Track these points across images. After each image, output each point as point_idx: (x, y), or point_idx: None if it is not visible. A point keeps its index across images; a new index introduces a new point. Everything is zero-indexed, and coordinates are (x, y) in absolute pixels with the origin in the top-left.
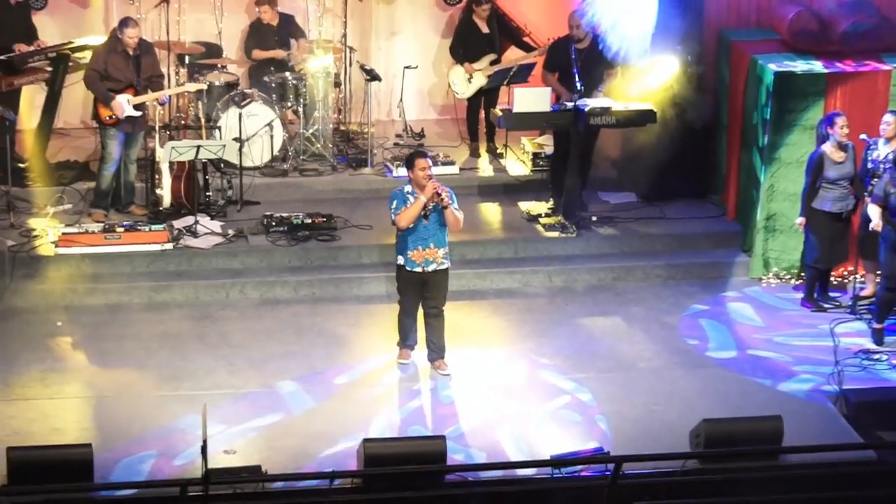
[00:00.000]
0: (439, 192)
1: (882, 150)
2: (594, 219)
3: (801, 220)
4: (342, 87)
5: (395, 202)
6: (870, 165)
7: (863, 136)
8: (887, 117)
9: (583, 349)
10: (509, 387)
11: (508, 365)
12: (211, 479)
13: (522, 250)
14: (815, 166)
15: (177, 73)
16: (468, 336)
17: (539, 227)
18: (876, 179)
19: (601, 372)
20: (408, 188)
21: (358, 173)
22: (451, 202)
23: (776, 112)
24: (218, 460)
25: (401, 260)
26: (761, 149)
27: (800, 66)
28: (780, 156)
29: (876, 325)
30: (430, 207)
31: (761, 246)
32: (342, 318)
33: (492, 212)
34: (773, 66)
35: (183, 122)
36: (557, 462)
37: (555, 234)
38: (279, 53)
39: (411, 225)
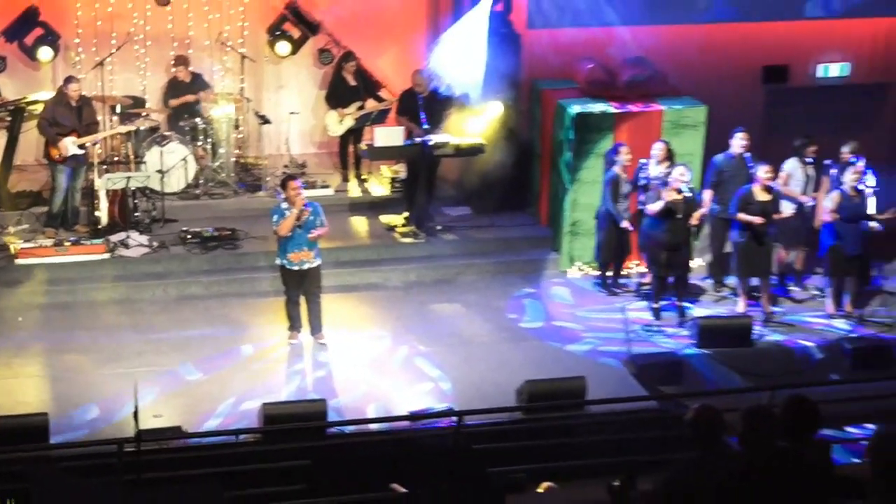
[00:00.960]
0: (305, 205)
1: (653, 170)
2: (439, 228)
3: (626, 223)
4: (241, 129)
5: (275, 216)
6: (642, 182)
7: (641, 161)
8: (658, 144)
9: (432, 329)
10: (376, 359)
11: (375, 342)
12: (142, 437)
13: (384, 253)
14: (613, 185)
15: (110, 120)
16: (343, 321)
17: (396, 235)
18: (648, 191)
19: (447, 346)
20: (284, 204)
21: (254, 196)
22: (318, 215)
23: (577, 143)
24: (148, 423)
25: (282, 262)
26: (565, 171)
27: (594, 107)
28: (581, 176)
29: (654, 305)
30: (303, 219)
31: (567, 246)
32: (244, 309)
33: (360, 224)
34: (573, 108)
35: (116, 158)
36: (415, 416)
37: (409, 240)
38: (189, 98)
39: (289, 233)
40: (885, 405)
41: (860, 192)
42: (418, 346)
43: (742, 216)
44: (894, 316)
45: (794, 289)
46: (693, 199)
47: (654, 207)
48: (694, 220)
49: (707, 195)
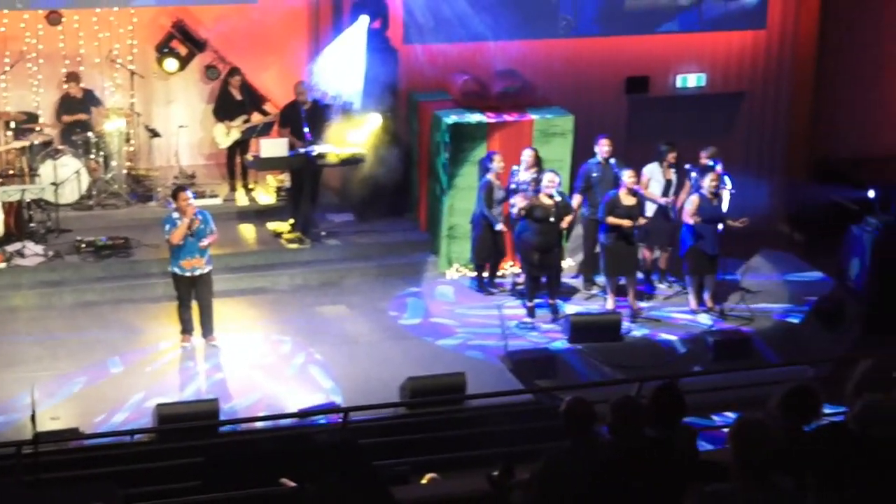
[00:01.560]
0: (195, 214)
1: (522, 175)
2: (323, 233)
3: (501, 226)
4: (132, 142)
5: (167, 225)
6: (513, 186)
7: (513, 168)
8: (526, 152)
9: (319, 329)
10: (266, 359)
11: (264, 343)
12: (39, 440)
13: (271, 258)
14: (487, 191)
15: (5, 135)
16: (234, 323)
17: (283, 241)
18: (517, 195)
19: (333, 346)
20: (175, 214)
21: (146, 206)
22: (207, 223)
23: (452, 151)
24: (46, 425)
25: (174, 269)
26: (442, 178)
27: (468, 118)
28: (457, 183)
29: (528, 303)
30: (193, 227)
31: (445, 249)
32: (138, 314)
33: (248, 231)
34: (449, 119)
35: (11, 171)
36: (303, 413)
37: (295, 245)
38: (82, 116)
39: (181, 242)
40: (745, 394)
41: (718, 194)
42: (306, 346)
43: (610, 219)
44: (752, 310)
45: (659, 286)
46: (564, 203)
47: (518, 204)
48: (564, 224)
49: (576, 199)
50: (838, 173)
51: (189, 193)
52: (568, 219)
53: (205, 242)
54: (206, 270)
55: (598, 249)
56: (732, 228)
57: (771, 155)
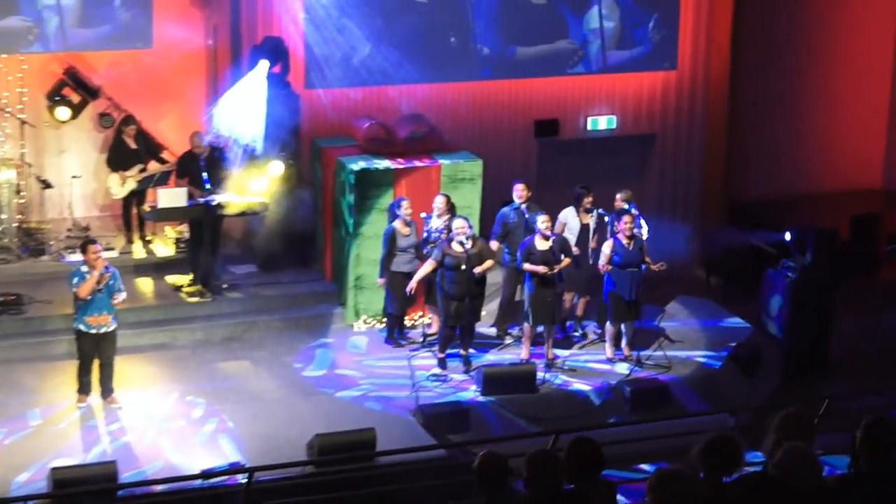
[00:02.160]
0: (105, 268)
1: (434, 223)
2: (225, 286)
3: (381, 280)
4: (23, 193)
5: (75, 279)
6: (425, 234)
7: (422, 214)
8: (438, 199)
9: (221, 386)
10: (167, 419)
11: (166, 402)
12: None
13: (171, 313)
14: (390, 239)
15: None
16: (133, 382)
17: (183, 295)
18: (432, 244)
19: (237, 403)
20: (84, 268)
21: (38, 260)
22: (116, 279)
23: (358, 199)
24: None
25: (80, 325)
26: (348, 227)
27: (373, 164)
28: (363, 232)
29: (440, 355)
30: (102, 282)
31: (352, 300)
32: (32, 374)
33: (146, 285)
34: (353, 165)
35: None
36: (206, 475)
37: (195, 299)
38: None
39: (90, 296)
40: (665, 445)
41: (634, 238)
42: (209, 405)
43: (527, 266)
44: (670, 358)
45: (575, 334)
46: (481, 248)
47: (423, 270)
48: (479, 270)
49: (494, 246)
50: (753, 216)
51: (98, 247)
52: (487, 264)
53: (118, 300)
54: (111, 328)
55: (519, 297)
56: (651, 273)
57: (685, 198)
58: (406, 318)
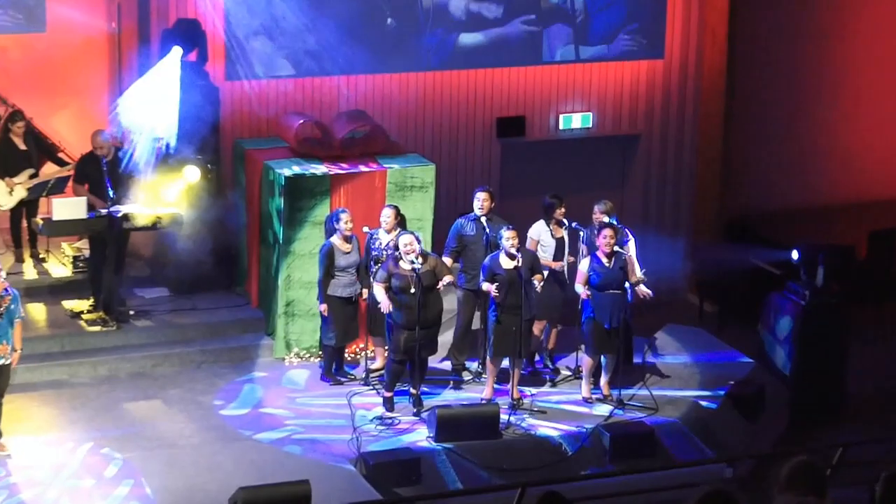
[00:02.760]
0: (5, 290)
1: (383, 239)
2: (132, 313)
3: (323, 306)
4: None
5: None
6: (374, 252)
7: (365, 229)
8: (386, 211)
9: (129, 431)
10: (64, 468)
11: (62, 449)
12: None
13: (68, 344)
14: (327, 257)
15: None
16: (25, 425)
17: (82, 323)
18: (379, 264)
19: (147, 451)
20: None
21: None
22: (17, 303)
23: (288, 210)
24: None
25: None
26: (277, 243)
27: (307, 169)
28: (294, 249)
29: (386, 394)
30: (2, 307)
31: (283, 329)
32: None
33: (38, 311)
34: (283, 170)
35: None
36: None
37: (97, 328)
38: None
39: None
40: (651, 500)
41: (615, 256)
42: (114, 452)
43: (485, 286)
44: (657, 397)
45: (546, 369)
46: (433, 265)
47: (377, 293)
48: (442, 285)
49: (448, 262)
50: (754, 231)
51: None
52: (447, 279)
53: (16, 328)
54: (7, 361)
55: (477, 325)
56: (638, 298)
57: (675, 210)
58: (346, 350)
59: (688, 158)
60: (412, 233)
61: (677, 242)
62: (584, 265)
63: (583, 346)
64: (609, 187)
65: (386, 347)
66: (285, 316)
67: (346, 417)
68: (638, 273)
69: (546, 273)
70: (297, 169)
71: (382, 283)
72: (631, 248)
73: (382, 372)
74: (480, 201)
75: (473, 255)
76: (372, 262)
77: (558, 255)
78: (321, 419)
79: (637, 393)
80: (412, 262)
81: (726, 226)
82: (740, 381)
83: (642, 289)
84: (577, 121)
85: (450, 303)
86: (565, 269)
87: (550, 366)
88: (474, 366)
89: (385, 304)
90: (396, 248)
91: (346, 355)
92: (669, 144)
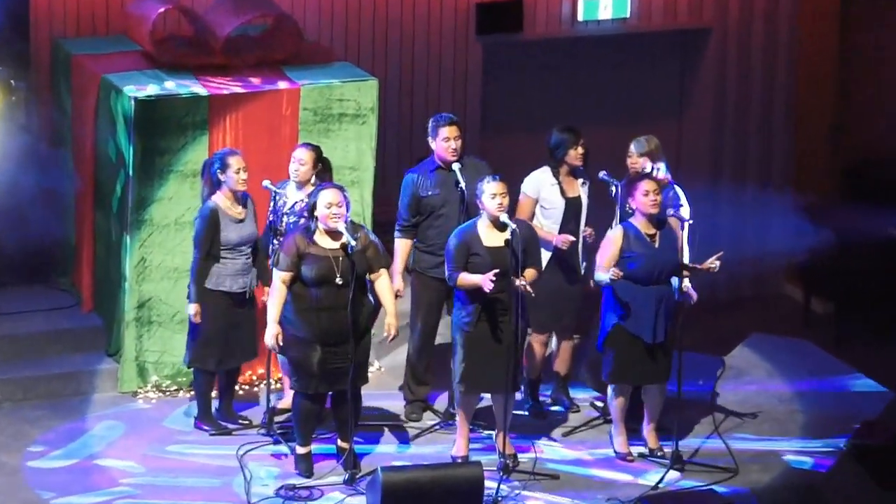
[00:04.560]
0: None
1: (292, 197)
2: None
3: (194, 307)
4: None
5: None
6: (272, 218)
7: (266, 183)
8: (300, 152)
9: None
10: None
11: None
12: None
13: None
14: (207, 228)
15: None
16: None
17: None
18: (279, 239)
19: None
20: None
21: None
22: None
23: (141, 154)
24: None
25: None
26: (123, 208)
27: (170, 87)
28: (152, 217)
29: (300, 449)
30: None
31: (134, 347)
32: None
33: None
34: (132, 90)
35: None
36: None
37: None
38: None
39: None
40: None
41: (662, 225)
42: None
43: (464, 278)
44: (735, 451)
45: (554, 407)
46: (366, 246)
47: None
48: (378, 279)
49: (401, 247)
50: (889, 186)
51: None
52: (378, 276)
53: None
54: None
55: (444, 340)
56: (687, 296)
57: (762, 154)
58: (237, 380)
59: (783, 70)
60: (338, 187)
61: (766, 203)
62: (611, 239)
63: (604, 369)
64: (654, 117)
65: None
66: (138, 324)
67: (231, 489)
68: (685, 257)
69: (549, 257)
70: (154, 87)
71: (284, 270)
72: (685, 215)
73: (291, 414)
74: (446, 138)
75: (442, 225)
76: (272, 234)
77: (569, 225)
78: (202, 490)
79: (704, 445)
80: (340, 234)
81: (844, 177)
82: (868, 425)
83: (685, 286)
84: (605, 7)
85: (400, 303)
86: (580, 246)
87: (566, 400)
88: (439, 403)
89: (272, 334)
90: (311, 211)
91: (236, 387)
92: (754, 48)
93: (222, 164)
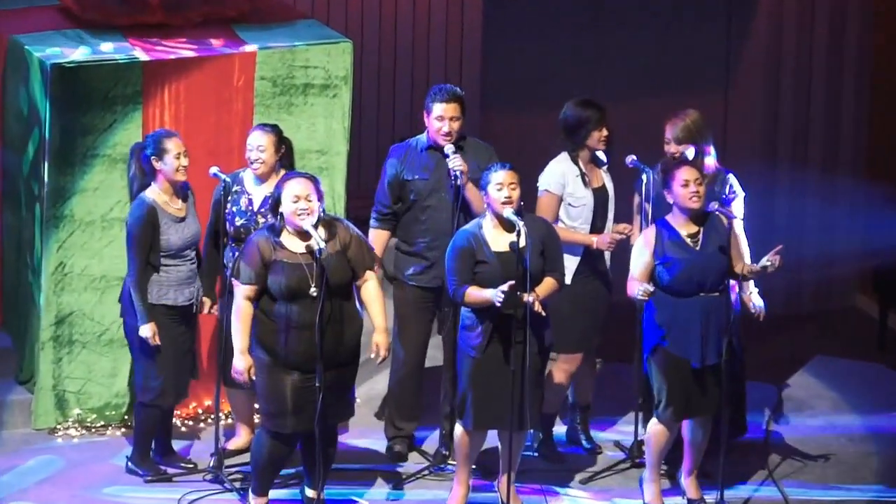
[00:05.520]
0: None
1: (253, 192)
2: None
3: (149, 328)
4: None
5: None
6: (239, 222)
7: (214, 170)
8: (260, 138)
9: None
10: None
11: None
12: None
13: None
14: (144, 226)
15: None
16: None
17: None
18: (239, 245)
19: None
20: None
21: None
22: None
23: (60, 135)
24: None
25: None
26: (37, 200)
27: (96, 50)
28: (73, 212)
29: (255, 500)
30: None
31: (51, 373)
32: None
33: None
34: (48, 54)
35: None
36: None
37: None
38: None
39: None
40: None
41: (709, 223)
42: None
43: (473, 295)
44: (793, 501)
45: (573, 449)
46: (352, 244)
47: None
48: (360, 283)
49: (376, 237)
50: None
51: None
52: (364, 281)
53: None
54: None
55: (437, 363)
56: (755, 308)
57: (829, 133)
58: (175, 415)
59: (855, 29)
60: (308, 176)
61: (833, 195)
62: (643, 243)
63: (643, 400)
64: (695, 88)
65: (257, 408)
66: (56, 345)
67: None
68: (747, 259)
69: (576, 262)
70: (78, 51)
71: (250, 285)
72: (738, 208)
73: (248, 457)
74: (441, 115)
75: (429, 220)
76: (230, 241)
77: (598, 222)
78: None
79: (756, 494)
80: (310, 236)
81: None
82: None
83: (753, 298)
84: None
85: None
86: (607, 251)
87: (586, 443)
88: (430, 443)
89: (243, 368)
90: (274, 207)
91: (175, 422)
92: (819, 8)
93: (157, 149)
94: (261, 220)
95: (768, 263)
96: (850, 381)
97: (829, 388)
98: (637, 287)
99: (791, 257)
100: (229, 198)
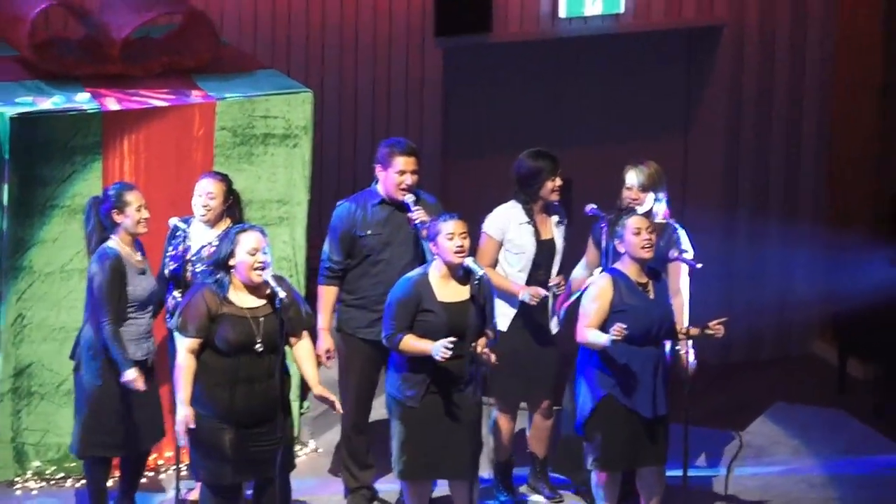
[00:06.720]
0: None
1: (197, 239)
2: None
3: (133, 372)
4: None
5: None
6: (173, 266)
7: (174, 220)
8: (210, 185)
9: None
10: None
11: None
12: None
13: None
14: (113, 277)
15: None
16: None
17: None
18: (179, 293)
19: None
20: None
21: None
22: None
23: (19, 186)
24: None
25: None
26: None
27: (55, 102)
28: (32, 263)
29: None
30: None
31: (10, 425)
32: None
33: None
34: (5, 106)
35: None
36: None
37: None
38: None
39: None
40: None
41: (654, 272)
42: None
43: (409, 344)
44: None
45: (535, 499)
46: (293, 305)
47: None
48: (294, 342)
49: (326, 297)
50: None
51: None
52: (298, 340)
53: None
54: None
55: (378, 416)
56: (688, 363)
57: (789, 178)
58: (141, 467)
59: (814, 76)
60: (259, 229)
61: (792, 241)
62: (599, 290)
63: (587, 455)
64: (654, 135)
65: None
66: (15, 396)
67: None
68: (685, 313)
69: (513, 314)
70: (34, 101)
71: (194, 338)
72: (684, 252)
73: None
74: (398, 168)
75: (380, 274)
76: (171, 283)
77: (539, 273)
78: None
79: None
80: (260, 289)
81: (889, 207)
82: None
83: (689, 354)
84: (594, 1)
85: (328, 373)
86: (550, 299)
87: (547, 492)
88: (382, 489)
89: (183, 419)
90: (224, 261)
91: (140, 472)
92: (778, 49)
93: (119, 203)
94: (189, 267)
95: (712, 333)
96: (811, 426)
97: (789, 435)
98: (595, 334)
99: (750, 304)
100: (172, 241)
